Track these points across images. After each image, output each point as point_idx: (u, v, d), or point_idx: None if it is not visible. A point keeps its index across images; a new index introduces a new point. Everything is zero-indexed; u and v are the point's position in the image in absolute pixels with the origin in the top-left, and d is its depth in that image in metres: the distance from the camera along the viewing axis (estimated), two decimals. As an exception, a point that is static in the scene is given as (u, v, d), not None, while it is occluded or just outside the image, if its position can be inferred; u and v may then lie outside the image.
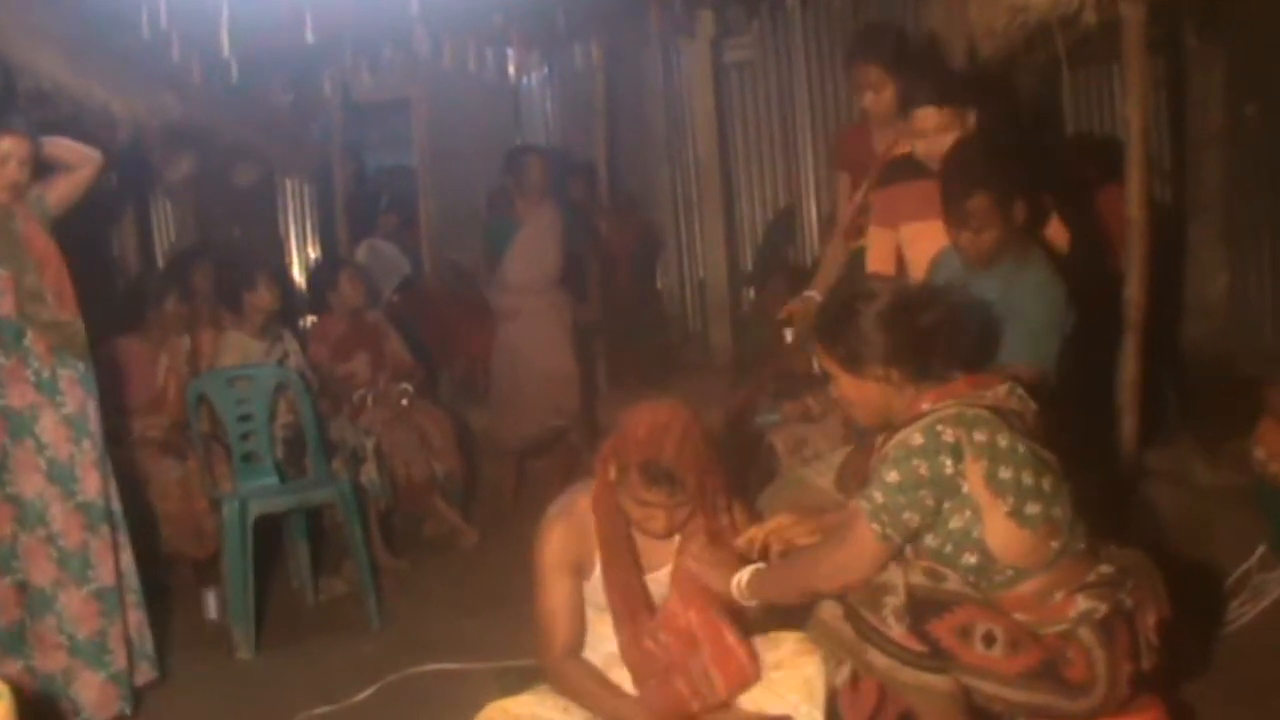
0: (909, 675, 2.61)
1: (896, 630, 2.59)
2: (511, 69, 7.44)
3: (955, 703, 2.65)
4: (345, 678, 4.17)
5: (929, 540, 2.63)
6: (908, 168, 3.89)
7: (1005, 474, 2.55)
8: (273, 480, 5.09)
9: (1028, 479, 2.57)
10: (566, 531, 2.97)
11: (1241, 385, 4.72)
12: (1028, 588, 2.60)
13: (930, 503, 2.56)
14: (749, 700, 2.90)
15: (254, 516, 4.75)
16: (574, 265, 6.46)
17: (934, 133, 3.71)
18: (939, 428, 2.55)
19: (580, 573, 2.97)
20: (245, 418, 5.10)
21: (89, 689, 3.92)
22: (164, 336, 5.61)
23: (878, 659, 2.63)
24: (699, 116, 8.18)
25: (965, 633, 2.56)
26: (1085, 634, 2.56)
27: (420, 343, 6.61)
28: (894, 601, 2.60)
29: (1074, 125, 7.75)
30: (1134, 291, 4.32)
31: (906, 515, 2.57)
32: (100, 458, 3.99)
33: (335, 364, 5.88)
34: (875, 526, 2.58)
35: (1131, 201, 4.36)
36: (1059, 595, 2.59)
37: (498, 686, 3.83)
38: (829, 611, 2.73)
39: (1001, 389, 2.68)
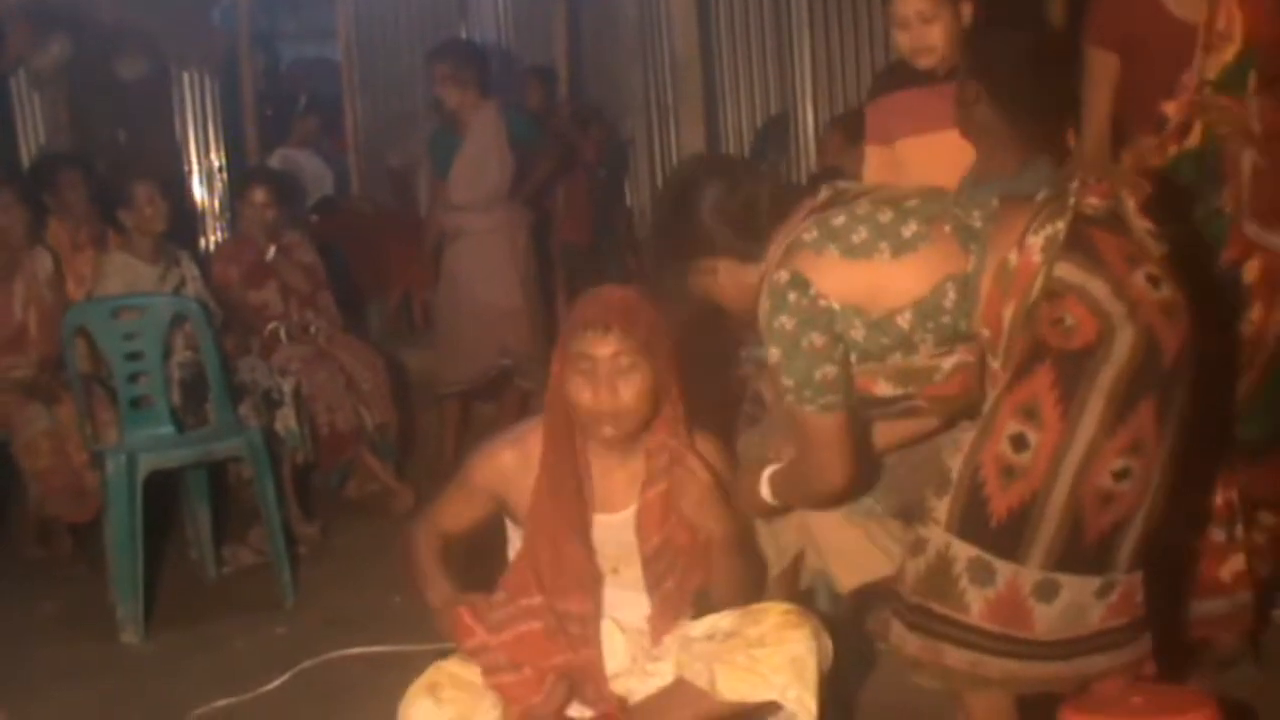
0: (994, 667, 2.61)
1: (976, 609, 2.60)
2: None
3: (1013, 709, 2.70)
4: (253, 664, 4.11)
5: (856, 356, 2.70)
6: (899, 73, 3.80)
7: (860, 236, 2.66)
8: (168, 429, 4.97)
9: (885, 216, 2.67)
10: (511, 462, 3.04)
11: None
12: (985, 286, 2.60)
13: (820, 342, 2.64)
14: (727, 688, 2.82)
15: (144, 473, 4.62)
16: (526, 178, 6.35)
17: (917, 23, 3.57)
18: (774, 277, 2.69)
19: (498, 508, 3.08)
20: (134, 356, 4.96)
21: None
22: (15, 258, 5.43)
23: (956, 657, 2.63)
24: (677, 6, 8.04)
25: (1013, 448, 2.56)
26: (1064, 271, 2.54)
27: (345, 272, 6.51)
28: (961, 558, 2.60)
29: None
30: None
31: (818, 374, 2.65)
32: None
33: (247, 290, 5.76)
34: (807, 407, 2.69)
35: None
36: (1013, 255, 2.58)
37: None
38: (895, 633, 2.75)
39: (824, 192, 2.80)
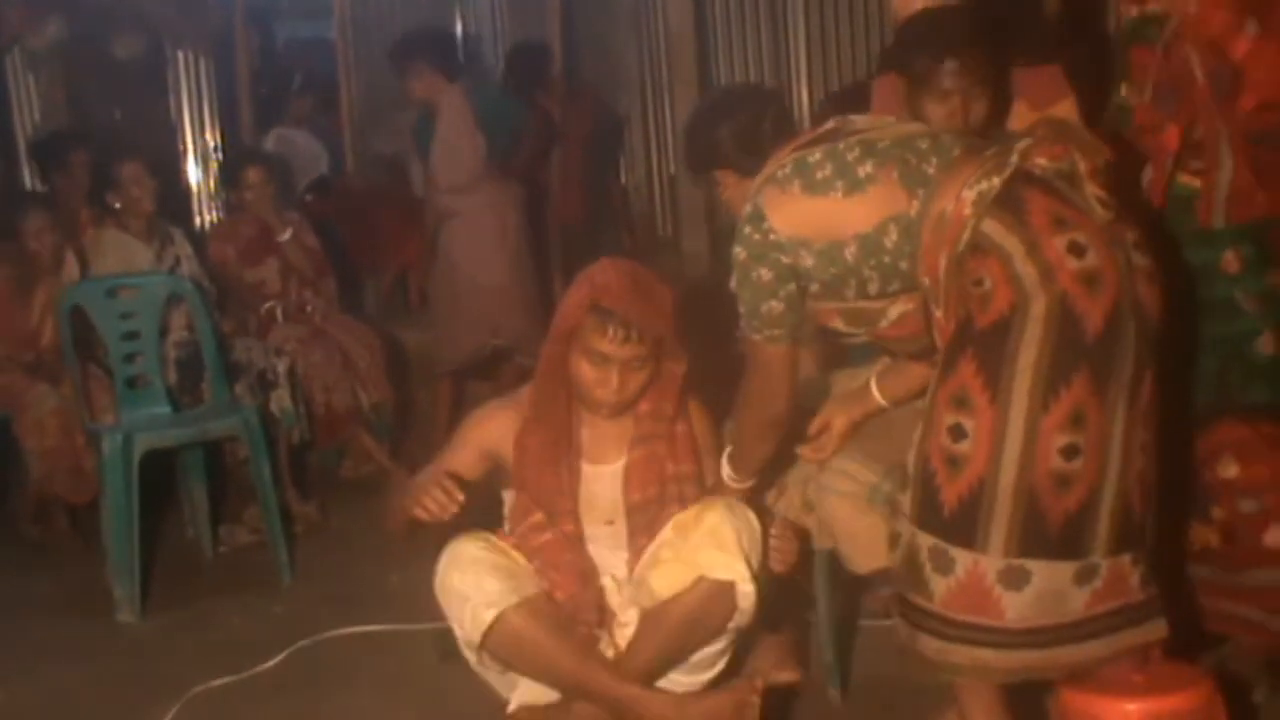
0: (962, 655, 2.61)
1: (938, 596, 2.61)
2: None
3: (998, 691, 2.71)
4: (250, 643, 4.10)
5: (818, 288, 2.80)
6: None
7: (823, 172, 2.74)
8: (164, 409, 4.96)
9: (852, 155, 2.73)
10: (506, 423, 3.13)
11: None
12: (926, 233, 2.65)
13: (768, 277, 2.76)
14: (662, 586, 2.96)
15: (141, 452, 4.61)
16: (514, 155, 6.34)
17: None
18: (746, 206, 2.83)
19: (492, 468, 3.15)
20: (130, 335, 4.94)
21: None
22: (40, 270, 5.37)
23: (927, 644, 2.65)
24: (671, -19, 8.02)
25: (952, 439, 2.59)
26: (989, 227, 2.57)
27: (340, 251, 6.47)
28: (923, 548, 2.62)
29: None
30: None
31: (764, 307, 2.78)
32: None
33: (244, 269, 5.74)
34: (755, 336, 2.83)
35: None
36: (949, 206, 2.61)
37: (434, 652, 3.79)
38: (896, 624, 2.77)
39: (823, 128, 2.87)
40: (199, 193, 7.77)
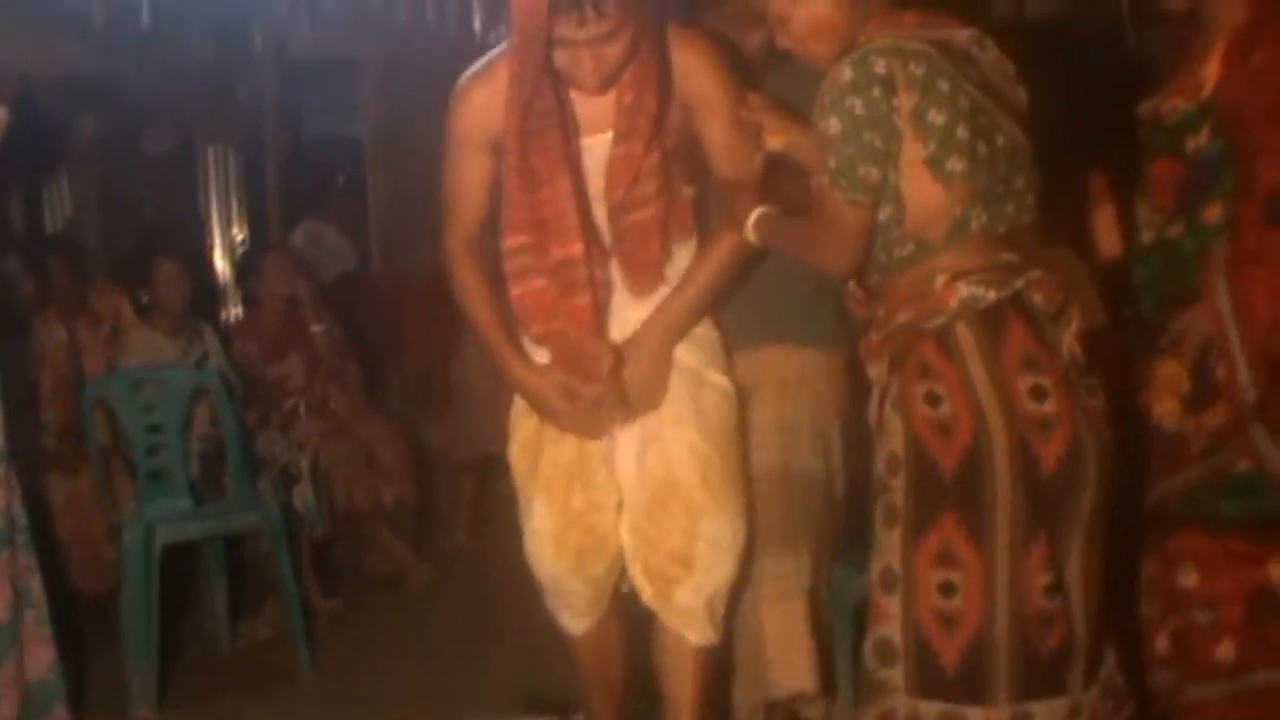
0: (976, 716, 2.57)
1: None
2: (478, 23, 7.33)
3: None
4: (268, 739, 4.08)
5: None
6: None
7: (936, 118, 2.54)
8: (185, 502, 4.99)
9: (961, 133, 2.56)
10: (486, 100, 2.89)
11: None
12: (920, 271, 2.60)
13: (879, 145, 2.54)
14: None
15: (161, 545, 4.63)
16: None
17: None
18: (870, 58, 2.55)
19: (497, 152, 2.91)
20: (154, 428, 5.00)
21: None
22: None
23: (929, 710, 2.59)
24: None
25: (943, 595, 2.56)
26: (961, 332, 2.54)
27: (365, 345, 6.52)
28: (929, 715, 2.60)
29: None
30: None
31: (862, 171, 2.55)
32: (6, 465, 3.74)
33: (267, 364, 5.80)
34: (838, 194, 2.57)
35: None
36: (941, 280, 2.57)
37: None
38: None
39: (962, 33, 2.67)
40: (225, 287, 7.84)
